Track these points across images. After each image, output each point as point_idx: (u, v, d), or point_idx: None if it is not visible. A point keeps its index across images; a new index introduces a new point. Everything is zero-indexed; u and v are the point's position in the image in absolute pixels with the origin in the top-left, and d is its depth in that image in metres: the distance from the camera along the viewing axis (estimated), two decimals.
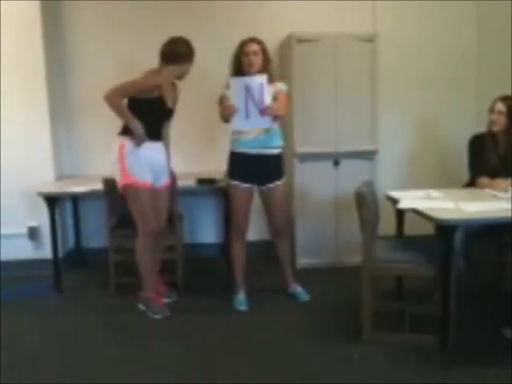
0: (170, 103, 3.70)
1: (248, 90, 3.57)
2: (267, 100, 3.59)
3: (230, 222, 3.93)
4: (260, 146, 3.70)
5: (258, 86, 3.57)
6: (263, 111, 3.58)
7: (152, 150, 3.63)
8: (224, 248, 4.39)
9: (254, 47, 3.66)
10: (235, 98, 3.60)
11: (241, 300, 3.84)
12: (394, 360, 3.05)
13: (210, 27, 4.69)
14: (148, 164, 3.60)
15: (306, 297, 3.93)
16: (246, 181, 3.75)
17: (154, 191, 3.66)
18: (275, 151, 3.77)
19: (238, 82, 3.61)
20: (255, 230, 4.38)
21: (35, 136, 4.49)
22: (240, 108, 3.60)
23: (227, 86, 3.70)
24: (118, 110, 3.51)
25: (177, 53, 3.62)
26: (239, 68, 3.68)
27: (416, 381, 2.85)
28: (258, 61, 3.66)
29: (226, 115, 3.68)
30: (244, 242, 3.90)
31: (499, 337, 3.26)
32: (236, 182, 3.76)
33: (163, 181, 3.77)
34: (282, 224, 3.92)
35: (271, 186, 3.78)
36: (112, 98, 3.48)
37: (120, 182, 3.60)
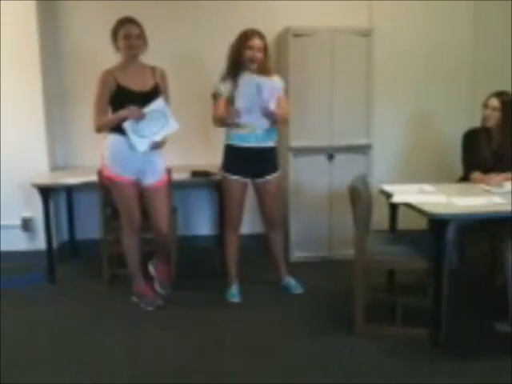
0: (137, 87, 3.49)
1: (259, 89, 3.50)
2: (272, 106, 3.55)
3: (224, 214, 3.94)
4: (255, 140, 3.69)
5: (269, 90, 3.52)
6: (267, 114, 3.57)
7: (127, 145, 3.48)
8: (218, 240, 4.40)
9: (259, 43, 3.60)
10: (243, 94, 3.53)
11: (234, 292, 3.85)
12: (385, 352, 3.08)
13: (206, 20, 4.68)
14: (125, 159, 3.51)
15: (299, 289, 3.94)
16: (240, 174, 3.74)
17: (141, 189, 3.60)
18: (270, 144, 3.76)
19: (250, 80, 3.53)
20: (249, 223, 4.39)
21: (29, 127, 4.48)
22: (245, 104, 3.54)
23: (223, 79, 3.67)
24: (106, 126, 3.50)
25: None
26: (239, 61, 3.61)
27: (406, 373, 2.87)
28: (261, 57, 3.62)
29: (227, 118, 3.59)
30: (238, 234, 3.90)
31: (491, 331, 3.28)
32: (230, 175, 3.75)
33: (152, 179, 3.60)
34: (275, 217, 3.92)
35: (265, 179, 3.78)
36: (98, 127, 3.50)
37: (103, 172, 3.64)
